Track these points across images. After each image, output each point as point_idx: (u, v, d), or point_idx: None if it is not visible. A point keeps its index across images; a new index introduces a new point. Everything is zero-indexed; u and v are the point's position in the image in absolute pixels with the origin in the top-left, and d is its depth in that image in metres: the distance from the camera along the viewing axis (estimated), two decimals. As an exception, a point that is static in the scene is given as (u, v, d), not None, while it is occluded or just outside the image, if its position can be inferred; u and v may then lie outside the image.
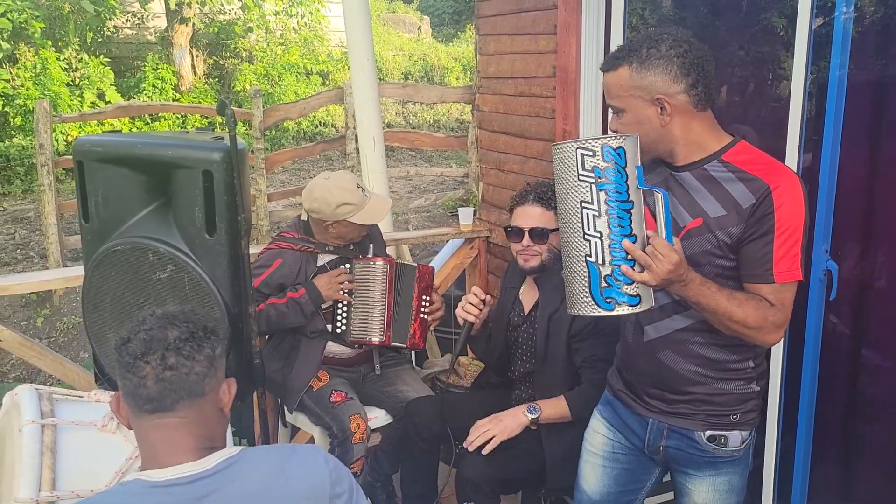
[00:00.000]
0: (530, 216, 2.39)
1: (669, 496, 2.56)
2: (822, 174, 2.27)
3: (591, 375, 2.36)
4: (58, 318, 6.28)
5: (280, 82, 10.26)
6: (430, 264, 3.18)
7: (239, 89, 9.93)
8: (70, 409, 1.58)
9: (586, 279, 1.48)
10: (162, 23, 10.31)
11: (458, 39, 14.04)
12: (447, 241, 4.00)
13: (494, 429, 2.33)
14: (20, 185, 8.24)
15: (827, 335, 2.38)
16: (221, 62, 10.65)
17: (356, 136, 7.23)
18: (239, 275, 2.12)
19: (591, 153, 1.45)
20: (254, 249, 2.69)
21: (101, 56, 9.29)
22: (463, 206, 3.78)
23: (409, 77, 11.72)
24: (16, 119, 8.32)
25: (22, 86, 8.39)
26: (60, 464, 1.43)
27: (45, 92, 8.21)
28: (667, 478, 2.47)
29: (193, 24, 10.02)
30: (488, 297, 2.41)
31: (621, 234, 1.46)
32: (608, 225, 1.46)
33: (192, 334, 1.27)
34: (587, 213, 1.46)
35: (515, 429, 2.33)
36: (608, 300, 1.48)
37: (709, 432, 1.76)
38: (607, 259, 1.47)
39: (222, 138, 2.11)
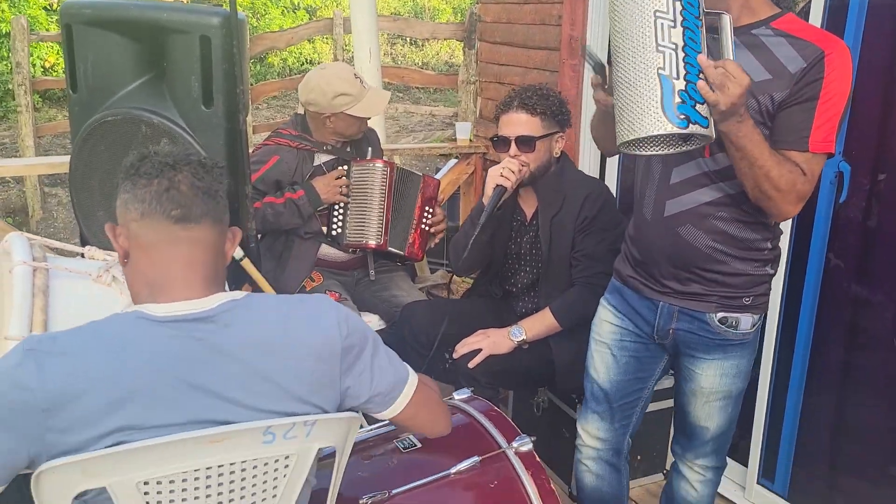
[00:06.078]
0: (515, 123, 2.28)
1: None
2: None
3: (579, 273, 2.32)
4: (35, 242, 6.14)
5: (265, 16, 9.98)
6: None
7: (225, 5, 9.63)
8: (63, 260, 1.50)
9: (658, 93, 1.36)
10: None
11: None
12: (444, 160, 3.91)
13: (482, 342, 2.29)
14: (-4, 110, 8.00)
15: (833, 237, 2.35)
16: (206, -6, 10.33)
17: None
18: (237, 151, 2.03)
19: None
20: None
21: (80, -20, 8.95)
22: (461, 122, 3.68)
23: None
24: (-9, 42, 8.03)
25: (-3, 8, 8.08)
26: (53, 308, 1.36)
27: (22, 14, 7.90)
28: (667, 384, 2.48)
29: (177, -48, 9.67)
30: (526, 167, 2.28)
31: (695, 49, 1.37)
32: (683, 36, 1.35)
33: (209, 158, 1.21)
34: (661, 23, 1.35)
35: (504, 348, 2.29)
36: (682, 116, 1.36)
37: (721, 314, 1.73)
38: (682, 73, 1.36)
39: (221, 6, 2.00)
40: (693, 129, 1.37)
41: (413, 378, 1.34)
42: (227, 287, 1.29)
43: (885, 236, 2.34)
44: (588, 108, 3.11)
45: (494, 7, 3.58)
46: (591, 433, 1.99)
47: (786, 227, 2.27)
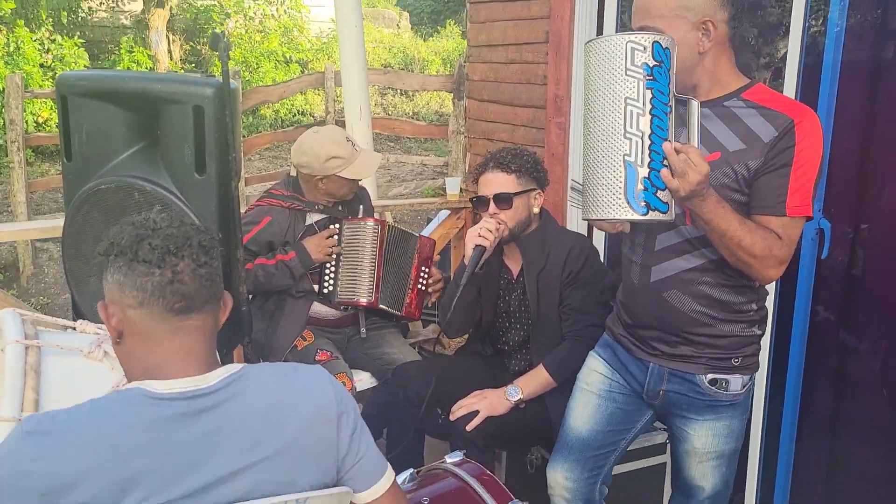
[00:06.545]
0: (492, 182, 2.35)
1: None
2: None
3: (569, 328, 2.34)
4: (25, 298, 6.11)
5: (258, 69, 10.15)
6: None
7: (217, 74, 9.79)
8: (55, 336, 1.50)
9: (622, 179, 1.42)
10: (138, 6, 10.14)
11: (438, 35, 14.00)
12: (435, 211, 3.96)
13: (479, 404, 2.29)
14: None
15: (817, 294, 2.38)
16: (198, 48, 10.50)
17: (336, 122, 7.19)
18: (228, 216, 2.05)
19: (641, 48, 1.40)
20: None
21: (76, 38, 9.09)
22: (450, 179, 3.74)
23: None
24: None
25: (-8, 64, 8.18)
26: (44, 386, 1.36)
27: (17, 71, 8.00)
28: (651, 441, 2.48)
29: (171, 8, 9.87)
30: (503, 224, 2.33)
31: (661, 136, 1.42)
32: (650, 125, 1.41)
33: (206, 234, 1.19)
34: (631, 111, 1.40)
35: (501, 409, 2.29)
36: (643, 203, 1.43)
37: (710, 375, 1.75)
38: (646, 160, 1.42)
39: (213, 76, 2.05)
40: (652, 215, 1.44)
41: (391, 470, 1.34)
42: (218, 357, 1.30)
43: (867, 289, 2.37)
44: (574, 165, 3.17)
45: (481, 66, 3.67)
46: (560, 482, 1.98)
47: (770, 284, 2.31)
